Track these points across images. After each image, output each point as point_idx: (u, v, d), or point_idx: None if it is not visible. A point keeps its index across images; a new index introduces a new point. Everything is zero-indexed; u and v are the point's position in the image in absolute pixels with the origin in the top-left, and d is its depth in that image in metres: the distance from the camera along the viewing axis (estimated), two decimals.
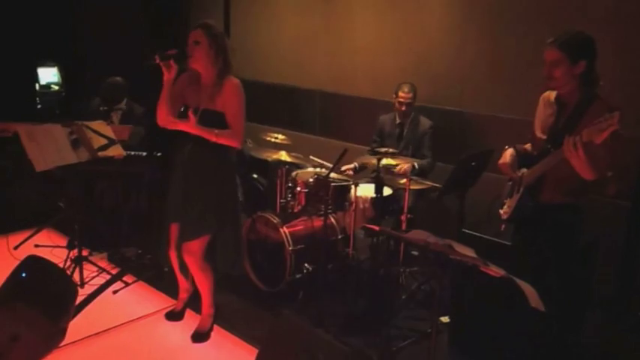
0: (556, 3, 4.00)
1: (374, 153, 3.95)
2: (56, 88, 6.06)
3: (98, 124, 4.00)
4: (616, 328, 3.61)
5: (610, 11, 3.76)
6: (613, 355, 3.38)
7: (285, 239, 3.83)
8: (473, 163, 3.64)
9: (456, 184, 3.68)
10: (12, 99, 5.37)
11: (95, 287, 3.90)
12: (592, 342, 3.35)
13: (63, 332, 3.00)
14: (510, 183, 2.97)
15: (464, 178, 3.68)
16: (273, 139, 4.59)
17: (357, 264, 4.13)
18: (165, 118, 3.18)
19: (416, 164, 4.22)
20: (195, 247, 3.26)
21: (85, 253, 4.14)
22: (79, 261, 4.01)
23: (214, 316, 3.53)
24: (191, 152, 3.22)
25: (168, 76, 3.11)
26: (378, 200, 3.84)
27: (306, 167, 4.46)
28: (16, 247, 4.31)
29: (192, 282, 3.56)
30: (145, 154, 4.61)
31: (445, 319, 3.57)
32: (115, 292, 3.93)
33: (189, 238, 3.24)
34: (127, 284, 4.04)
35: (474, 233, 3.40)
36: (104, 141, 3.94)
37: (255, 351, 2.99)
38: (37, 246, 4.35)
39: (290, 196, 4.19)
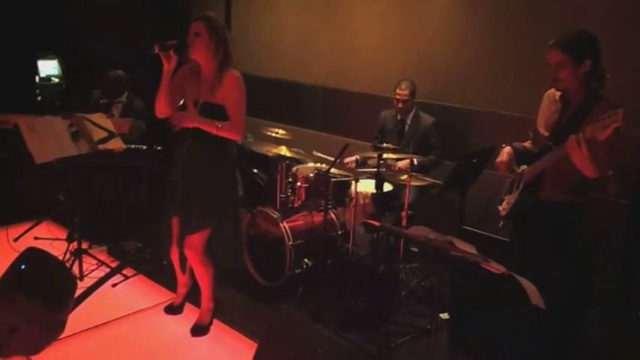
0: (557, 0, 4.00)
1: (377, 149, 3.95)
2: (56, 80, 6.04)
3: (98, 117, 4.00)
4: (616, 327, 3.61)
5: (610, 10, 3.75)
6: (613, 354, 3.39)
7: (285, 234, 3.82)
8: (474, 160, 3.63)
9: (456, 181, 3.67)
10: (12, 91, 5.35)
11: (94, 280, 3.91)
12: (592, 340, 3.35)
13: (62, 325, 3.01)
14: (510, 179, 2.96)
15: (465, 175, 3.68)
16: (273, 134, 4.59)
17: (357, 260, 4.13)
18: (163, 110, 3.17)
19: (415, 160, 4.21)
20: (196, 242, 3.26)
21: (84, 246, 4.14)
22: (78, 254, 4.01)
23: (214, 310, 3.53)
24: (190, 147, 3.21)
25: (167, 66, 3.08)
26: (379, 196, 3.84)
27: (307, 162, 4.45)
28: (15, 239, 4.31)
29: (191, 276, 3.56)
30: (145, 147, 4.60)
31: (444, 315, 3.57)
32: (114, 285, 3.93)
33: (190, 233, 3.24)
34: (126, 277, 4.03)
35: (474, 230, 3.40)
36: (104, 134, 3.93)
37: (254, 345, 2.98)
38: (36, 238, 4.35)
39: (290, 191, 4.19)
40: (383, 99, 4.83)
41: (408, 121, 4.52)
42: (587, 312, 3.22)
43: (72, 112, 3.89)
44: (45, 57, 6.02)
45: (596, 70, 2.59)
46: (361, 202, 4.06)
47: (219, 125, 3.09)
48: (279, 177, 4.44)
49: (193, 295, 3.63)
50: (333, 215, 4.11)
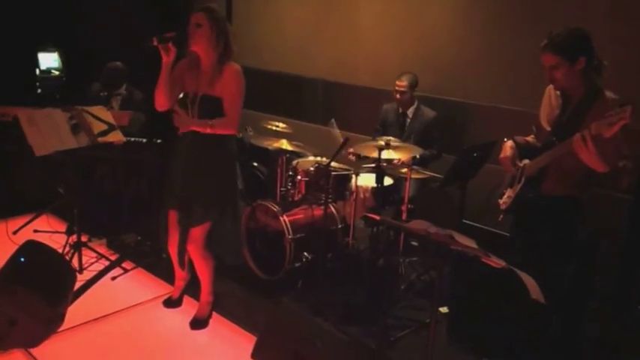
0: None
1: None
2: (57, 73, 6.04)
3: (98, 110, 3.99)
4: (617, 322, 3.61)
5: (612, 3, 3.73)
6: (613, 349, 3.38)
7: (285, 228, 3.82)
8: (475, 154, 3.62)
9: (457, 175, 3.66)
10: (12, 84, 5.34)
11: (94, 273, 3.92)
12: (592, 335, 3.35)
13: (61, 317, 3.01)
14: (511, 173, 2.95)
15: (465, 169, 3.66)
16: (274, 128, 4.57)
17: (357, 253, 4.13)
18: (163, 103, 3.15)
19: (417, 154, 4.20)
20: (197, 235, 3.25)
21: (84, 238, 4.14)
22: (78, 247, 4.01)
23: (213, 303, 3.53)
24: (191, 141, 3.19)
25: (166, 59, 3.06)
26: (379, 190, 3.83)
27: (307, 156, 4.44)
28: (15, 232, 4.31)
29: (189, 269, 3.55)
30: (144, 140, 4.59)
31: (444, 309, 3.57)
32: (113, 278, 3.93)
33: (191, 226, 3.23)
34: (125, 271, 4.03)
35: (475, 224, 3.39)
36: (104, 126, 3.93)
37: (253, 338, 2.98)
38: (36, 231, 4.35)
39: (290, 184, 4.18)
40: (384, 93, 4.81)
41: (410, 115, 4.50)
42: (588, 307, 3.22)
43: (72, 105, 3.88)
44: (45, 49, 6.02)
45: (592, 64, 2.58)
46: (361, 195, 4.05)
47: (211, 123, 3.08)
48: (279, 170, 4.43)
49: (192, 288, 3.63)
50: (333, 209, 4.10)
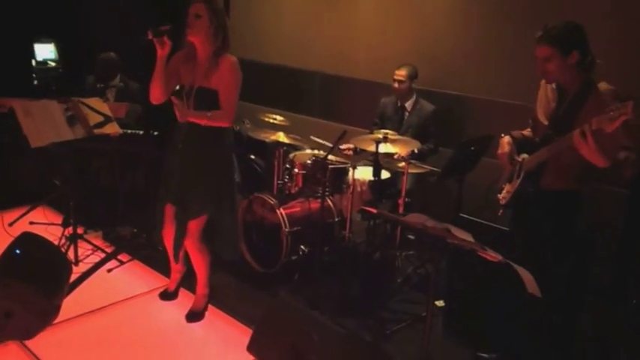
0: None
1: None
2: (53, 64, 6.00)
3: (94, 101, 3.96)
4: (613, 316, 3.61)
5: (610, 4, 3.72)
6: (610, 343, 3.39)
7: (282, 221, 3.81)
8: (472, 148, 3.61)
9: (454, 169, 3.66)
10: (8, 75, 5.30)
11: (90, 265, 3.90)
12: (589, 329, 3.35)
13: (57, 309, 2.99)
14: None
15: (463, 162, 3.66)
16: (271, 120, 4.56)
17: (353, 247, 4.12)
18: (158, 96, 3.14)
19: (415, 149, 4.19)
20: (193, 228, 3.24)
21: (80, 231, 4.12)
22: (73, 239, 4.00)
23: (209, 295, 3.53)
24: (187, 134, 3.18)
25: (161, 52, 3.04)
26: (376, 183, 3.82)
27: (304, 149, 4.43)
28: (10, 224, 4.30)
29: (185, 262, 3.55)
30: (141, 132, 4.57)
31: (440, 303, 3.57)
32: (109, 270, 3.92)
33: (187, 219, 3.22)
34: (121, 263, 4.03)
35: (472, 218, 3.39)
36: (100, 118, 3.90)
37: (249, 331, 2.98)
38: (32, 223, 4.34)
39: (287, 177, 4.17)
40: (382, 86, 4.80)
41: (409, 108, 4.49)
42: (585, 301, 3.22)
43: (68, 97, 3.86)
44: (41, 40, 5.97)
45: (585, 59, 2.59)
46: (358, 189, 4.04)
47: (209, 115, 3.06)
48: (276, 163, 4.42)
49: (188, 281, 3.63)
50: (330, 202, 4.10)
